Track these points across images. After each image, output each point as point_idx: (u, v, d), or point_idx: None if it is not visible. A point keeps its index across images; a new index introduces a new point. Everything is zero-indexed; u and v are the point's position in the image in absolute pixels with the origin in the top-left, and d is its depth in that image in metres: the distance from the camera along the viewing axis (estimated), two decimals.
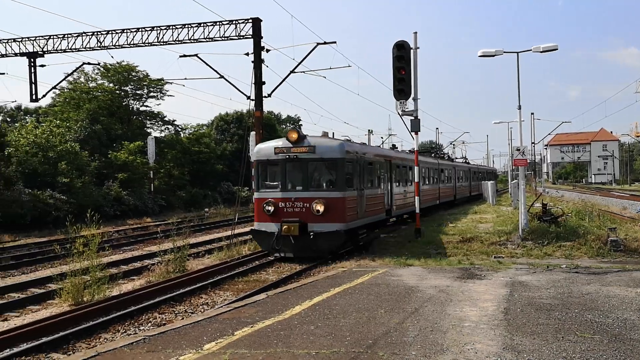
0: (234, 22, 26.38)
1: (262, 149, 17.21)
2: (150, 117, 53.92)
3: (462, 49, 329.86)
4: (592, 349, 6.92)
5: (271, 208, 16.23)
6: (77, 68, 33.67)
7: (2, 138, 31.14)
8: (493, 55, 19.90)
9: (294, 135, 16.43)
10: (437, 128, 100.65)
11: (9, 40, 29.07)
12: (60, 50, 28.57)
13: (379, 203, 19.84)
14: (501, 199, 46.42)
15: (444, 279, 12.05)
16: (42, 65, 29.97)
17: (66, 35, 28.34)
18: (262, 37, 25.86)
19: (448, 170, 37.58)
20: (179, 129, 58.12)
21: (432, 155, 38.33)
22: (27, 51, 28.94)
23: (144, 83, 50.11)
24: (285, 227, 15.82)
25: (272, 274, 14.89)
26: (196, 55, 26.61)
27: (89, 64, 34.58)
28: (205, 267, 15.71)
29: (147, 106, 53.06)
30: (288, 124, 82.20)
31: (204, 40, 26.91)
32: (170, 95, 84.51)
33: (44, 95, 31.07)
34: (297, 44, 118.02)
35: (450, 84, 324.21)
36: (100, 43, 27.86)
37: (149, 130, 52.83)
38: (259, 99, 25.44)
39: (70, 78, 40.28)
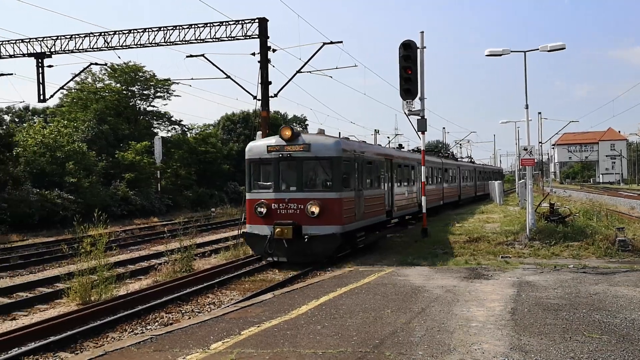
0: (240, 22, 26.39)
1: (254, 147, 16.29)
2: (157, 117, 54.13)
3: (469, 48, 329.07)
4: (600, 350, 6.89)
5: (263, 210, 15.38)
6: (85, 68, 33.70)
7: (10, 138, 31.32)
8: (500, 55, 19.79)
9: (288, 133, 15.50)
10: (443, 128, 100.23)
11: (17, 41, 29.20)
12: (68, 50, 28.66)
13: (378, 204, 18.98)
14: (508, 199, 46.24)
15: (450, 279, 12.02)
16: (50, 66, 30.06)
17: (73, 36, 28.44)
18: (268, 37, 25.85)
19: (452, 169, 36.90)
20: (186, 129, 58.31)
21: (438, 154, 37.87)
22: (34, 52, 29.04)
23: (151, 83, 50.32)
24: (278, 230, 14.91)
25: (279, 273, 14.89)
26: (203, 55, 26.63)
27: (96, 64, 34.72)
28: (211, 266, 15.75)
29: (154, 106, 53.32)
30: (294, 124, 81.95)
31: (210, 40, 26.93)
32: (177, 96, 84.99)
33: (51, 96, 31.10)
34: (303, 44, 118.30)
35: (457, 83, 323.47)
36: (108, 43, 27.95)
37: (155, 130, 53.05)
38: (265, 98, 25.44)
39: (77, 78, 40.44)
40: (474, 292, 10.54)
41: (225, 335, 7.86)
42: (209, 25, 26.77)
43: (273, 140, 16.02)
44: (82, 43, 28.35)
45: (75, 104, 47.88)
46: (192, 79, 70.57)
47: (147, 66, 70.12)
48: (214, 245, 21.14)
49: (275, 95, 26.26)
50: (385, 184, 20.05)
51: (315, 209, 14.94)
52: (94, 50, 28.39)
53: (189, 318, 10.14)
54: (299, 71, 26.82)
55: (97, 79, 49.33)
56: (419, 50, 18.69)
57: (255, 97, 25.91)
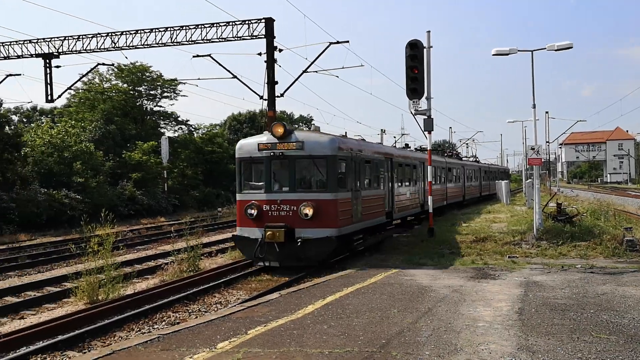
0: (246, 22, 26.44)
1: (244, 145, 15.35)
2: (163, 117, 54.33)
3: (475, 48, 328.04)
4: (608, 350, 6.86)
5: (254, 211, 14.45)
6: (92, 69, 33.81)
7: (18, 138, 31.53)
8: (507, 54, 19.70)
9: (280, 130, 14.54)
10: (450, 127, 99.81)
11: (25, 42, 29.38)
12: (75, 51, 28.80)
13: (378, 205, 18.00)
14: (515, 199, 46.08)
15: (457, 279, 11.99)
16: (58, 66, 30.23)
17: (81, 37, 28.58)
18: (274, 37, 25.89)
19: (456, 169, 36.25)
20: (192, 129, 58.51)
21: (441, 153, 37.39)
22: (42, 52, 29.20)
23: (158, 83, 50.52)
24: (269, 232, 14.02)
25: (285, 273, 14.89)
26: (209, 55, 26.70)
27: (103, 64, 34.87)
28: (218, 266, 15.77)
29: (160, 106, 53.54)
30: (301, 124, 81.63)
31: (217, 40, 27.00)
32: (184, 95, 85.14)
33: (59, 96, 31.28)
34: (309, 44, 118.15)
35: (464, 82, 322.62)
36: (115, 44, 28.07)
37: (162, 130, 53.30)
38: (271, 98, 25.47)
39: (85, 79, 40.70)
40: (480, 292, 10.51)
41: (232, 334, 7.87)
42: (215, 25, 26.84)
43: (264, 137, 15.11)
44: (89, 43, 28.50)
45: (82, 104, 48.16)
46: (198, 79, 71.02)
47: (154, 66, 70.46)
48: (221, 244, 21.18)
49: (282, 95, 26.33)
50: (385, 184, 19.16)
51: (309, 211, 14.05)
52: (101, 51, 28.55)
53: (196, 317, 10.17)
54: (305, 71, 26.86)
55: (104, 79, 49.62)
56: (425, 50, 18.63)
57: (261, 97, 26.01)
